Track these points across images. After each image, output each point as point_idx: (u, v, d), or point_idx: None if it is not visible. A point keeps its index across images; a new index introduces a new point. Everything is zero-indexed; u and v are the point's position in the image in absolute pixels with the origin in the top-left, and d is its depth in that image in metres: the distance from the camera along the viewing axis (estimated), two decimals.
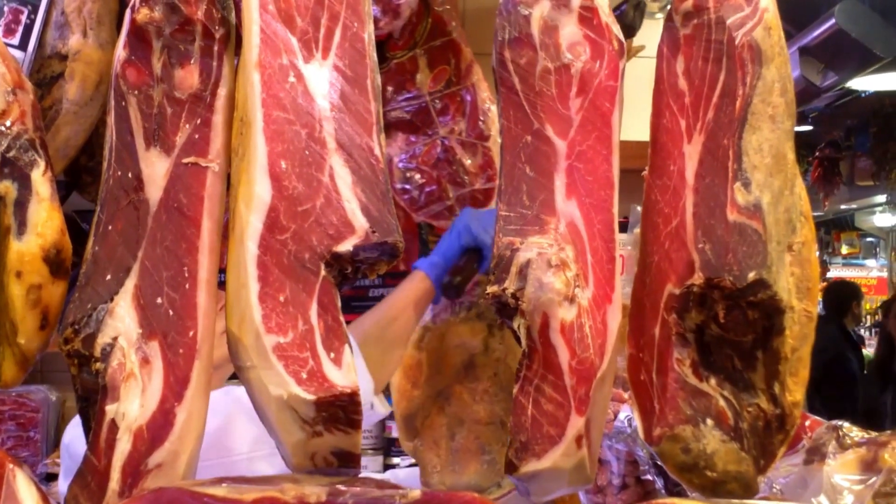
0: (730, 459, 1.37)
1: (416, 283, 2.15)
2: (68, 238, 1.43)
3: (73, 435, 2.33)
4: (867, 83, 5.70)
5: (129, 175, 1.43)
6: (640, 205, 1.56)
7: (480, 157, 2.90)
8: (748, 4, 1.47)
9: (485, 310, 2.09)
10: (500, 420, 2.07)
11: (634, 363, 1.49)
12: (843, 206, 12.14)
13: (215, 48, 1.47)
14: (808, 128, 8.58)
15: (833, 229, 14.55)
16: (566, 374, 1.38)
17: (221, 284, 1.42)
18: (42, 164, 1.42)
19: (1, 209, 1.38)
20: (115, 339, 1.36)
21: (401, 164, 2.94)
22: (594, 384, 1.39)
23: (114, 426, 1.32)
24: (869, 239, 14.73)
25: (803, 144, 9.00)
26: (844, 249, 14.64)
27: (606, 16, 1.51)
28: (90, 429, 1.37)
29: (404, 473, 2.92)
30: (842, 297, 7.82)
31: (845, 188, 9.69)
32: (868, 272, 14.40)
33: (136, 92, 1.45)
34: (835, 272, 13.52)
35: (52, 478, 3.92)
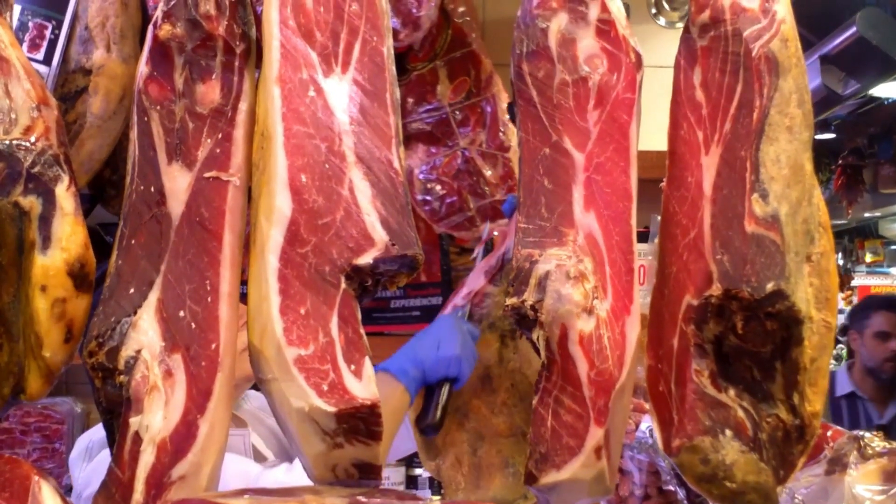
0: (749, 470, 1.37)
1: (398, 398, 1.97)
2: (92, 252, 1.44)
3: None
4: (890, 90, 5.66)
5: (152, 189, 1.44)
6: (660, 214, 1.56)
7: (501, 167, 2.90)
8: (765, 16, 1.48)
9: (496, 321, 2.07)
10: (520, 431, 2.05)
11: (653, 374, 1.49)
12: (866, 214, 12.05)
13: (236, 63, 1.49)
14: (831, 136, 8.51)
15: (856, 237, 14.43)
16: (585, 386, 1.38)
17: (243, 297, 1.43)
18: (66, 179, 1.43)
19: (26, 224, 1.40)
20: (138, 351, 1.37)
21: (421, 176, 2.95)
22: (613, 395, 1.39)
23: (138, 438, 1.34)
24: (893, 247, 14.59)
25: (826, 152, 8.93)
26: (868, 257, 14.51)
27: (623, 28, 1.52)
28: (114, 441, 1.38)
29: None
30: None
31: (869, 196, 9.61)
32: (893, 280, 14.27)
33: (158, 107, 1.47)
34: (859, 280, 13.41)
35: None
